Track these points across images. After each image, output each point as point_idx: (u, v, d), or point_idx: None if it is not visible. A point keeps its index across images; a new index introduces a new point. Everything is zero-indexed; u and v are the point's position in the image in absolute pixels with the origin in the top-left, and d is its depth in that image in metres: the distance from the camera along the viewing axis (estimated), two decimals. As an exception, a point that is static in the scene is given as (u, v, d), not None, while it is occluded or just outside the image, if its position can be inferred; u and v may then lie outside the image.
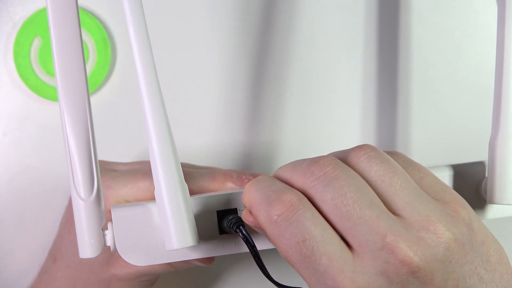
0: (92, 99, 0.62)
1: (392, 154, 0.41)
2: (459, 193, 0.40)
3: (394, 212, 0.38)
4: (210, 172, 0.52)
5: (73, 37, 0.40)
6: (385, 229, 0.37)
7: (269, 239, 0.42)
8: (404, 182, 0.38)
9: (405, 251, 0.36)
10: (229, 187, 0.51)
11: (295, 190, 0.39)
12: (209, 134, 0.64)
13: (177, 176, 0.39)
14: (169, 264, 0.50)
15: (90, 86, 0.61)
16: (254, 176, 0.53)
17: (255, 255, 0.41)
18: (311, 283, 0.38)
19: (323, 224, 0.38)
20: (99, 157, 0.57)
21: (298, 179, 0.39)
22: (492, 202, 0.45)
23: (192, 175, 0.51)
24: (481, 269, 0.38)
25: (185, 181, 0.40)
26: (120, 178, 0.51)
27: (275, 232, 0.38)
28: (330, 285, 0.37)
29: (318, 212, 0.38)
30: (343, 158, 0.40)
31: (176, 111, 0.61)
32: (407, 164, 0.41)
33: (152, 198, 0.42)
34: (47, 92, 0.61)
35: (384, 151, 0.41)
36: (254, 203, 0.39)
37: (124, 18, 0.39)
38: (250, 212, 0.40)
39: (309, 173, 0.38)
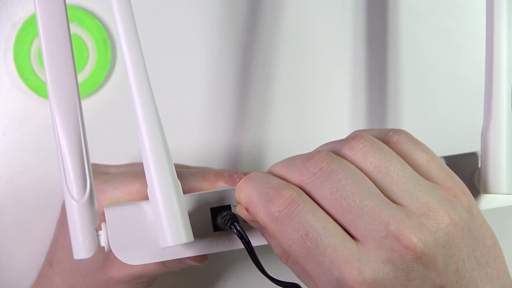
0: (92, 99, 0.63)
1: (398, 133, 0.41)
2: None
3: (393, 201, 0.38)
4: (200, 172, 0.52)
5: (62, 38, 0.40)
6: (387, 218, 0.37)
7: (264, 236, 0.42)
8: (400, 171, 0.39)
9: (409, 237, 0.36)
10: (221, 186, 0.52)
11: (293, 185, 0.39)
12: (199, 134, 0.63)
13: (170, 173, 0.39)
14: (164, 264, 0.50)
15: (90, 86, 0.62)
16: (246, 175, 0.52)
17: (250, 251, 0.40)
18: (317, 276, 0.38)
19: (324, 217, 0.38)
20: (99, 158, 0.58)
21: (294, 177, 0.39)
22: (486, 192, 0.45)
23: (182, 175, 0.50)
24: (478, 252, 0.39)
25: None
26: (111, 181, 0.51)
27: (277, 228, 0.38)
28: (336, 276, 0.37)
29: (318, 206, 0.38)
30: (337, 150, 0.40)
31: (166, 112, 0.61)
32: (415, 145, 0.41)
33: (144, 200, 0.43)
34: (47, 92, 0.61)
35: (391, 129, 0.41)
36: (251, 200, 0.39)
37: (114, 19, 0.39)
38: (247, 210, 0.40)
39: (304, 170, 0.38)
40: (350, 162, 0.39)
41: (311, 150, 0.41)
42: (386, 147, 0.39)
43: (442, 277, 0.37)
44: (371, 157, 0.39)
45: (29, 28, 0.61)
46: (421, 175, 0.40)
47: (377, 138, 0.40)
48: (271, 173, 0.41)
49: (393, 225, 0.37)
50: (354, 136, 0.40)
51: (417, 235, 0.37)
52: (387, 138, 0.41)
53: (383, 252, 0.37)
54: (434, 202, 0.38)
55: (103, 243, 0.42)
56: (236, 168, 0.63)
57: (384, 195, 0.38)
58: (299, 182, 0.39)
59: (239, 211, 0.41)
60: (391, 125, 0.65)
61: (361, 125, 0.65)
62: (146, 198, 0.50)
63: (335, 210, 0.38)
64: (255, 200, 0.39)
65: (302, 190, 0.38)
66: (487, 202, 0.47)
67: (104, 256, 0.52)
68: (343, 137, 0.41)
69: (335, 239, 0.37)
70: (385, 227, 0.37)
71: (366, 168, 0.39)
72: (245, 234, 0.40)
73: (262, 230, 0.42)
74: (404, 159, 0.40)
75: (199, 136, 0.63)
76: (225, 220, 0.41)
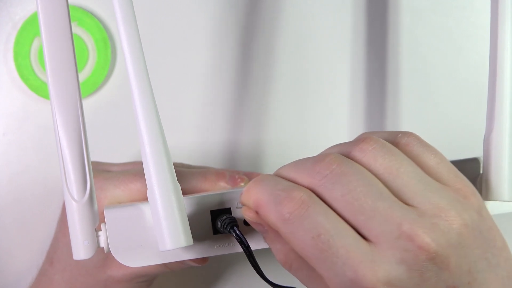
0: (92, 99, 0.63)
1: (407, 136, 0.41)
2: None
3: (404, 202, 0.38)
4: (201, 171, 0.52)
5: (64, 37, 0.40)
6: (399, 218, 0.37)
7: (266, 241, 0.42)
8: (411, 172, 0.39)
9: (422, 238, 0.36)
10: (222, 186, 0.51)
11: (303, 187, 0.38)
12: (199, 133, 0.63)
13: (170, 176, 0.39)
14: (165, 264, 0.50)
15: (90, 86, 0.62)
16: (247, 175, 0.52)
17: (249, 255, 0.40)
18: (330, 278, 0.37)
19: (336, 218, 0.37)
20: (99, 157, 0.58)
21: (304, 179, 0.39)
22: (488, 199, 0.45)
23: (183, 174, 0.50)
24: (489, 254, 0.39)
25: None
26: (112, 179, 0.51)
27: (289, 230, 0.38)
28: (350, 276, 0.37)
29: (329, 207, 0.38)
30: (346, 153, 0.40)
31: (166, 111, 0.61)
32: (424, 147, 0.41)
33: (145, 199, 0.42)
34: (47, 92, 0.60)
35: (399, 132, 0.41)
36: (261, 203, 0.39)
37: (115, 19, 0.39)
38: (257, 212, 0.40)
39: (315, 173, 0.38)
40: (360, 164, 0.39)
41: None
42: (396, 149, 0.39)
43: (455, 278, 0.37)
44: (381, 159, 0.39)
45: (29, 28, 0.61)
46: (430, 177, 0.39)
47: (386, 140, 0.40)
48: (279, 175, 0.40)
49: (406, 225, 0.36)
50: (364, 138, 0.40)
51: (431, 235, 0.36)
52: (396, 140, 0.41)
53: (396, 252, 0.36)
54: (445, 203, 0.38)
55: (102, 244, 0.42)
56: (236, 167, 0.63)
57: (395, 197, 0.38)
58: (309, 185, 0.39)
59: (245, 213, 0.40)
60: (390, 125, 0.65)
61: (361, 125, 0.65)
62: (147, 197, 0.50)
63: (347, 211, 0.37)
64: (265, 203, 0.39)
65: (312, 192, 0.38)
66: (489, 208, 0.47)
67: (104, 255, 0.51)
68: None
69: (347, 240, 0.37)
70: (398, 228, 0.37)
71: (376, 170, 0.39)
72: (245, 239, 0.40)
73: (265, 234, 0.42)
74: (413, 161, 0.40)
75: (199, 136, 0.63)
76: (224, 224, 0.41)
